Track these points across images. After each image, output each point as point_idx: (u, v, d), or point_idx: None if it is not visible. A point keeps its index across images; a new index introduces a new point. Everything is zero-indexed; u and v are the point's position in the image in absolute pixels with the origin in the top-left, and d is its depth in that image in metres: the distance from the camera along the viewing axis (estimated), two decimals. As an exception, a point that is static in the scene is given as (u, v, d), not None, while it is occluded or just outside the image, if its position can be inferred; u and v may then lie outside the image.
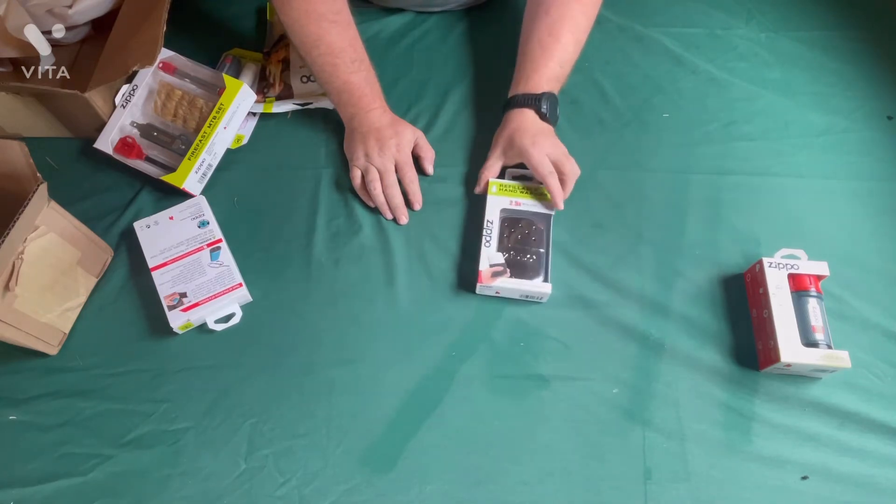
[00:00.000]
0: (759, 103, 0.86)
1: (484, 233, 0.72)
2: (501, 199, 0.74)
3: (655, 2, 0.96)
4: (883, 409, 0.66)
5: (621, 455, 0.64)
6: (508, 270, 0.70)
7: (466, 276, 0.73)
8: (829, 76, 0.89)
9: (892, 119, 0.85)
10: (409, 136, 0.77)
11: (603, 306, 0.71)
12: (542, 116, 0.75)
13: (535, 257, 0.71)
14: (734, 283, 0.73)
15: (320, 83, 0.78)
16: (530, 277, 0.70)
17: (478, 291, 0.71)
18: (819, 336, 0.65)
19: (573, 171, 0.72)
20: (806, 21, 0.94)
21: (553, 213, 0.74)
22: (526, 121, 0.74)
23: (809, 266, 0.68)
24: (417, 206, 0.77)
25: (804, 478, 0.63)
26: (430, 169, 0.79)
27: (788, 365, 0.64)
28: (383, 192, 0.76)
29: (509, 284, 0.69)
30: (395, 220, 0.77)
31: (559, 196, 0.72)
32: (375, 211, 0.78)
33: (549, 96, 0.75)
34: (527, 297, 0.71)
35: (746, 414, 0.66)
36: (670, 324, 0.70)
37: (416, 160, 0.79)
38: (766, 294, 0.67)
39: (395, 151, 0.76)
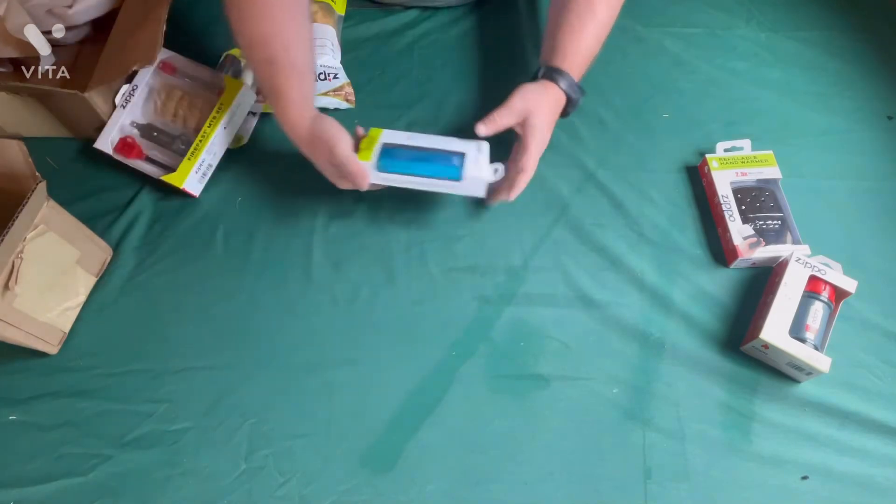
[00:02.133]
0: (759, 103, 0.86)
1: (724, 208, 0.74)
2: (727, 173, 0.76)
3: (655, 2, 0.96)
4: (883, 409, 0.66)
5: (621, 455, 0.64)
6: (762, 240, 0.71)
7: (467, 276, 0.74)
8: (829, 76, 0.89)
9: (892, 119, 0.85)
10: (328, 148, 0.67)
11: (603, 306, 0.71)
12: (566, 109, 0.73)
13: (778, 222, 0.73)
14: (735, 283, 0.73)
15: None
16: (782, 242, 0.72)
17: (733, 266, 0.73)
18: (809, 335, 0.65)
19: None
20: (806, 21, 0.94)
21: (780, 177, 0.76)
22: (557, 107, 0.72)
23: (837, 277, 0.68)
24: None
25: (804, 478, 0.63)
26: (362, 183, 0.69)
27: (766, 346, 0.65)
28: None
29: (767, 253, 0.71)
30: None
31: (511, 194, 0.69)
32: (375, 211, 0.78)
33: (582, 93, 0.74)
34: (780, 261, 0.72)
35: (746, 414, 0.66)
36: (671, 324, 0.70)
37: None
38: (780, 284, 0.67)
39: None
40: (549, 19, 0.77)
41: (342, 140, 0.67)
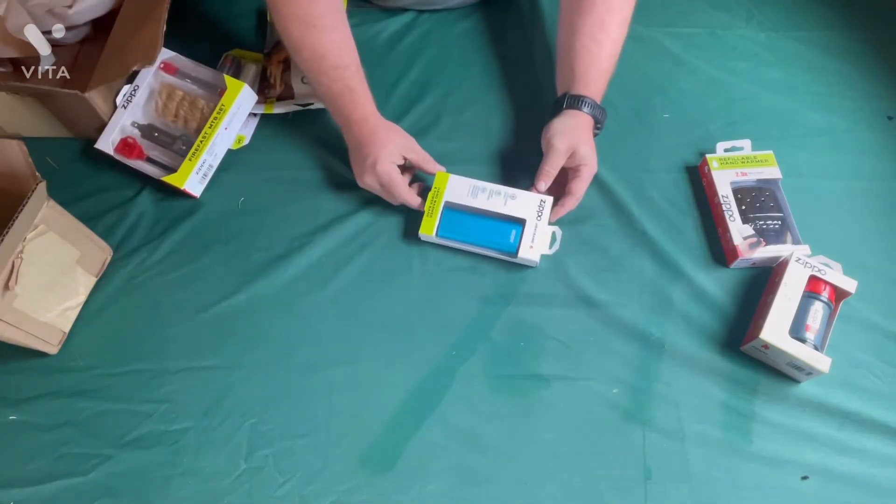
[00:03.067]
0: (759, 103, 0.86)
1: (724, 208, 0.74)
2: (727, 173, 0.76)
3: (655, 2, 0.96)
4: (883, 409, 0.66)
5: (621, 455, 0.64)
6: (762, 240, 0.71)
7: (467, 276, 0.74)
8: (829, 76, 0.89)
9: (892, 119, 0.85)
10: (383, 159, 0.72)
11: (603, 306, 0.71)
12: (596, 128, 0.75)
13: (778, 222, 0.73)
14: (735, 283, 0.73)
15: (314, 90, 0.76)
16: (782, 242, 0.72)
17: (733, 266, 0.73)
18: (809, 335, 0.65)
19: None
20: (806, 21, 0.94)
21: (780, 177, 0.76)
22: (590, 130, 0.74)
23: (837, 277, 0.68)
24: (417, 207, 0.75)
25: (804, 478, 0.63)
26: (432, 168, 0.76)
27: (766, 346, 0.65)
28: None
29: (767, 253, 0.71)
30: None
31: (556, 216, 0.73)
32: (376, 211, 0.78)
33: (605, 113, 0.75)
34: (780, 261, 0.72)
35: (746, 414, 0.66)
36: (670, 324, 0.70)
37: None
38: (780, 284, 0.67)
39: (374, 180, 0.73)
40: (562, 42, 0.77)
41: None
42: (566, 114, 0.73)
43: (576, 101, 0.73)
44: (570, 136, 0.72)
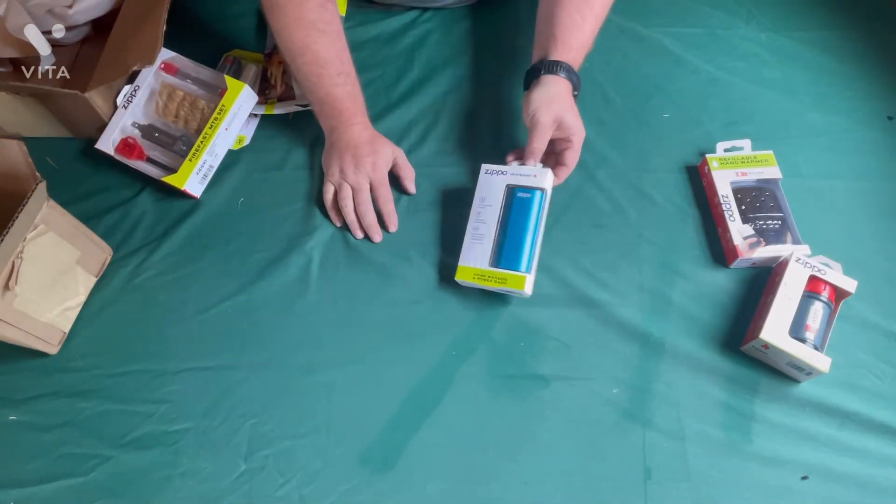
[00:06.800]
0: (759, 103, 0.86)
1: (724, 208, 0.74)
2: (727, 173, 0.76)
3: (655, 2, 0.96)
4: (883, 409, 0.66)
5: (621, 455, 0.64)
6: (762, 240, 0.71)
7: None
8: (829, 76, 0.89)
9: (892, 119, 0.85)
10: (386, 154, 0.76)
11: (603, 306, 0.71)
12: (574, 91, 0.74)
13: (778, 222, 0.73)
14: (735, 283, 0.73)
15: (304, 91, 0.77)
16: (782, 242, 0.72)
17: (733, 266, 0.73)
18: (809, 335, 0.65)
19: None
20: (806, 21, 0.94)
21: (780, 177, 0.76)
22: (570, 95, 0.73)
23: (837, 277, 0.68)
24: (392, 227, 0.76)
25: (804, 478, 0.63)
26: (410, 188, 0.78)
27: (766, 346, 0.65)
28: (355, 209, 0.75)
29: (767, 253, 0.71)
30: (367, 237, 0.76)
31: (556, 181, 0.74)
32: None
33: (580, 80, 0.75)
34: (780, 261, 0.72)
35: (746, 414, 0.66)
36: (670, 324, 0.70)
37: (397, 180, 0.79)
38: (780, 284, 0.67)
39: (370, 170, 0.75)
40: (542, 15, 0.77)
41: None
42: (545, 81, 0.71)
43: (554, 66, 0.71)
44: (554, 107, 0.70)
